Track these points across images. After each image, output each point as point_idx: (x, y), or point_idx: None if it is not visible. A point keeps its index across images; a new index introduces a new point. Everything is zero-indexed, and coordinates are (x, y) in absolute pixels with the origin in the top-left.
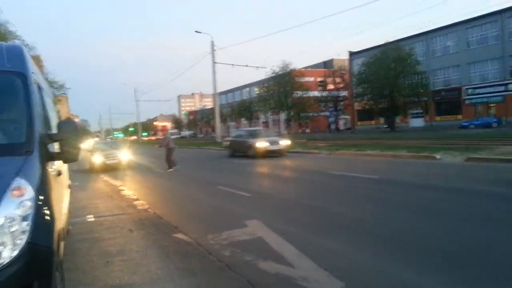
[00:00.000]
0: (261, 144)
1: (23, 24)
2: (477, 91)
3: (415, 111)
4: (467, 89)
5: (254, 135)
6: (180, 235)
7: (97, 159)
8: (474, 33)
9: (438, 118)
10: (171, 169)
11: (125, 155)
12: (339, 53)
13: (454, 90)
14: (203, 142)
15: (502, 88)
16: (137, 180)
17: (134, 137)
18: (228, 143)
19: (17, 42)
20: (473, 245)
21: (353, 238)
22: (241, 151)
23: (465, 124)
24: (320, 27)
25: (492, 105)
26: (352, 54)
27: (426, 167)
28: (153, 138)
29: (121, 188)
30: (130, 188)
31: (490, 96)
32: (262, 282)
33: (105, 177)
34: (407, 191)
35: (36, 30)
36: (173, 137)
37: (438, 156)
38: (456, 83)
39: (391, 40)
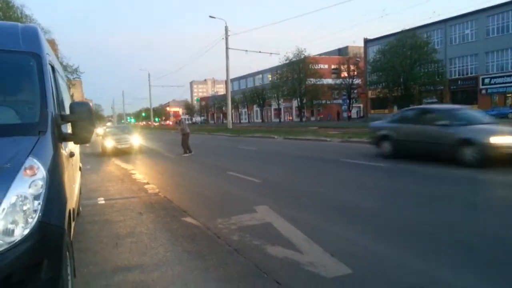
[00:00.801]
0: (500, 139)
1: (39, 8)
2: (494, 80)
3: (429, 100)
4: (484, 78)
5: (467, 120)
6: (189, 219)
7: (109, 143)
8: (495, 21)
9: None
10: (186, 154)
11: (136, 139)
12: (354, 40)
13: (470, 79)
14: (215, 128)
15: None
16: (148, 164)
17: (144, 123)
18: (384, 131)
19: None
20: (487, 234)
21: (362, 226)
22: (425, 149)
23: None
24: (336, 13)
25: (509, 95)
26: (367, 41)
27: None
28: (158, 124)
29: (132, 172)
30: (141, 172)
31: (508, 86)
32: (270, 267)
33: (116, 161)
34: (420, 180)
35: (52, 14)
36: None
37: None
38: (473, 72)
39: (408, 27)
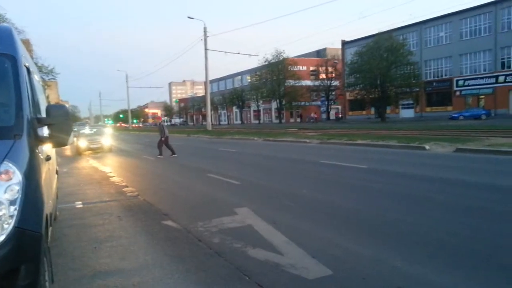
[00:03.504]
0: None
1: (12, 6)
2: (468, 82)
3: (405, 102)
4: (458, 80)
5: None
6: (169, 222)
7: (82, 144)
8: (468, 24)
9: (428, 109)
10: (162, 156)
11: (106, 140)
12: (333, 42)
13: (445, 81)
14: (195, 130)
15: (493, 80)
16: (127, 167)
17: (119, 124)
18: None
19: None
20: (462, 234)
21: (343, 227)
22: None
23: (455, 115)
24: (315, 15)
25: (482, 97)
26: (345, 43)
27: (415, 157)
28: (134, 126)
29: (110, 174)
30: (119, 175)
31: (481, 88)
32: (251, 269)
33: (94, 164)
34: (396, 181)
35: (25, 13)
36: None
37: (427, 147)
38: (447, 74)
39: (384, 29)
